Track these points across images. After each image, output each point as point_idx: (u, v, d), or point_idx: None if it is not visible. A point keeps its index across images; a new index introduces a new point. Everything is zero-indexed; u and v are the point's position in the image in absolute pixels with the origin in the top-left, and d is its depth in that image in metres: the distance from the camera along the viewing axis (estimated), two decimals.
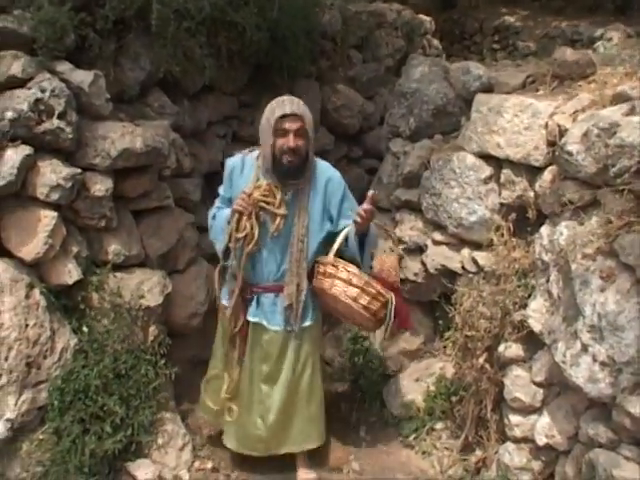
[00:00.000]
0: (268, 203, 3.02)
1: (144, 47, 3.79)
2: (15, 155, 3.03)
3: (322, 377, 3.48)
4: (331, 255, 3.09)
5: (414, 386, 3.76)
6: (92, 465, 3.10)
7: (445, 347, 3.55)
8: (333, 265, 3.07)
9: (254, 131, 5.01)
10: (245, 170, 3.17)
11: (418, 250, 3.84)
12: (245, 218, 3.00)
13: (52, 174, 3.14)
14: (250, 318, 3.23)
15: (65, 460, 3.05)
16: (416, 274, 3.80)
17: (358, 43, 6.46)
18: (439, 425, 3.65)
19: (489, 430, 3.34)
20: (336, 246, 3.09)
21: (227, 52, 4.20)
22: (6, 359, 2.94)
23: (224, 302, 3.27)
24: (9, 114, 3.04)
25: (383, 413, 3.87)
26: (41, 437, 3.07)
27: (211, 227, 3.33)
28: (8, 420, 2.92)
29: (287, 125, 2.95)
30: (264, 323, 3.21)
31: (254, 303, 3.22)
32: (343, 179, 3.24)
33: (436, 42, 8.31)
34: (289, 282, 3.13)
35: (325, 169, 3.21)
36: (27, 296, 3.07)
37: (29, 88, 3.16)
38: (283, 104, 2.98)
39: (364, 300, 3.03)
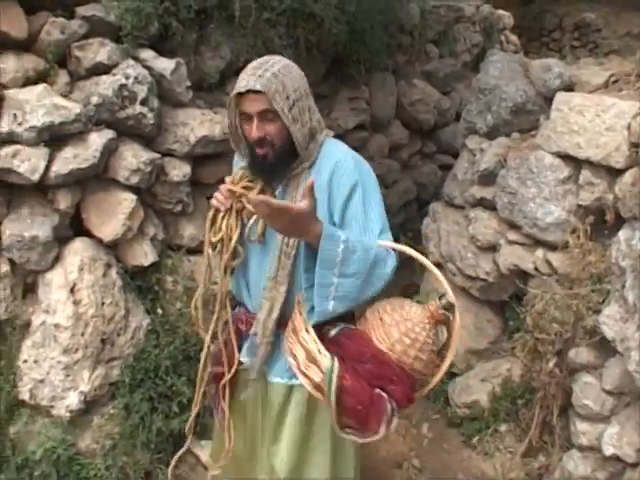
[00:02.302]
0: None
1: (225, 36, 3.84)
2: (98, 139, 3.13)
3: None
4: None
5: (480, 386, 3.71)
6: (158, 442, 3.19)
7: (513, 348, 3.50)
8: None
9: (329, 122, 5.06)
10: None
11: (491, 249, 3.78)
12: (221, 216, 2.16)
13: (133, 158, 3.24)
14: (242, 358, 2.29)
15: (133, 435, 3.15)
16: (488, 273, 3.74)
17: (435, 38, 6.42)
18: (503, 427, 3.60)
19: (554, 436, 3.29)
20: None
21: (305, 44, 4.22)
22: (82, 334, 3.05)
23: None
24: (94, 99, 3.15)
25: (447, 411, 3.85)
26: (111, 412, 3.17)
27: None
28: (82, 393, 3.04)
29: (246, 107, 2.03)
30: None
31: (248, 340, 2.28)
32: (363, 170, 2.13)
33: (514, 38, 8.18)
34: (262, 305, 2.15)
35: (333, 152, 2.14)
36: (104, 275, 3.17)
37: (114, 74, 3.25)
38: (241, 77, 2.05)
39: (300, 354, 1.89)
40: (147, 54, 3.42)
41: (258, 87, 1.96)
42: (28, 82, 3.12)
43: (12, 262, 3.04)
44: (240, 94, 2.01)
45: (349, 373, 1.83)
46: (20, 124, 2.94)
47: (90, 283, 3.10)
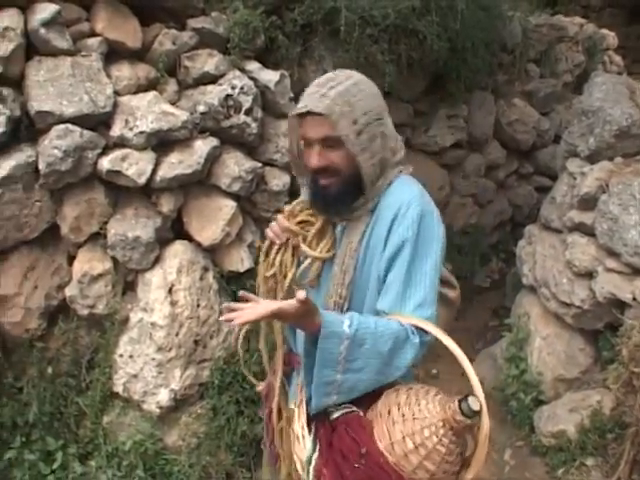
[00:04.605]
0: (306, 237, 1.87)
1: (328, 51, 3.91)
2: (203, 146, 3.24)
3: None
4: None
5: (568, 416, 3.58)
6: (241, 445, 3.25)
7: (606, 380, 3.37)
8: None
9: (427, 140, 5.05)
10: None
11: (588, 275, 3.66)
12: (276, 249, 1.90)
13: (235, 166, 3.33)
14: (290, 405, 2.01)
15: (218, 436, 3.22)
16: (583, 300, 3.62)
17: (537, 57, 6.29)
18: (590, 461, 3.46)
19: None
20: None
21: (407, 60, 4.23)
22: (177, 334, 3.14)
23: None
24: (201, 107, 3.27)
25: (531, 439, 3.73)
26: (199, 411, 3.25)
27: None
28: (172, 390, 3.13)
29: (306, 131, 1.73)
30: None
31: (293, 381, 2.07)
32: (425, 224, 1.72)
33: (618, 58, 7.91)
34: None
35: (400, 195, 1.76)
36: (201, 278, 3.26)
37: (220, 84, 3.37)
38: (304, 95, 1.75)
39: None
40: (253, 66, 3.53)
41: (319, 109, 1.65)
42: (140, 89, 3.27)
43: (115, 260, 3.17)
44: (300, 116, 1.72)
45: (329, 470, 1.55)
46: (131, 129, 3.08)
47: (187, 285, 3.20)
